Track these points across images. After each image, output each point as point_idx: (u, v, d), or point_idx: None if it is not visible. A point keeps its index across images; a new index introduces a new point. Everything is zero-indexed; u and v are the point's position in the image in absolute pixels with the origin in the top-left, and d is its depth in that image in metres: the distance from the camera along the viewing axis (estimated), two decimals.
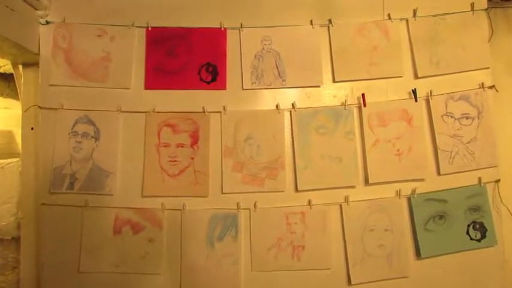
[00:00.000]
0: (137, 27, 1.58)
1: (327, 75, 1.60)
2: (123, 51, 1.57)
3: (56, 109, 1.54)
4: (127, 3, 1.59)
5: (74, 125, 1.54)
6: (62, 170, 1.52)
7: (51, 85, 1.55)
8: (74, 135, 1.54)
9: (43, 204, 1.52)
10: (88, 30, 1.57)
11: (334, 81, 1.60)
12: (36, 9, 1.54)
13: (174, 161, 1.54)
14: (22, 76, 1.61)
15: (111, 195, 1.53)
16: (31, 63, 1.59)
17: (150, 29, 1.58)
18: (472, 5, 1.63)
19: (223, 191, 1.54)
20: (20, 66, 1.62)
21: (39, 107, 1.55)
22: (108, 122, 1.54)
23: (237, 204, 1.53)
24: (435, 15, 1.62)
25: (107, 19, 1.58)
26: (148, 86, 1.57)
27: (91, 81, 1.56)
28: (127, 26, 1.57)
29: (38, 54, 1.55)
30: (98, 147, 1.54)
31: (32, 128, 1.58)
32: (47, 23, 1.57)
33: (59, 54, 1.56)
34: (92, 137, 1.54)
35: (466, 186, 1.58)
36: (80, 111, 1.54)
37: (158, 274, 1.51)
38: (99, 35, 1.57)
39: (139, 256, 1.51)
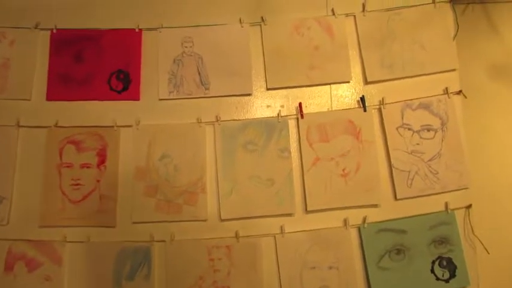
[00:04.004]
0: (41, 29, 1.30)
1: (259, 82, 1.28)
2: (24, 57, 1.28)
3: None
4: (31, 2, 1.32)
5: None
6: None
7: None
8: None
9: None
10: None
11: (267, 88, 1.28)
12: None
13: (77, 184, 1.24)
14: None
15: (4, 224, 1.23)
16: None
17: (55, 31, 1.31)
18: None
19: (133, 220, 1.22)
20: None
21: None
22: (3, 139, 1.25)
23: (150, 235, 1.21)
24: (388, 10, 1.29)
25: (7, 21, 1.30)
26: (51, 96, 1.27)
27: None
28: (29, 28, 1.31)
29: None
30: None
31: None
32: None
33: None
34: None
35: (429, 214, 1.23)
36: None
37: None
38: None
39: None
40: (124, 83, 1.28)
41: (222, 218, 1.21)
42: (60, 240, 1.22)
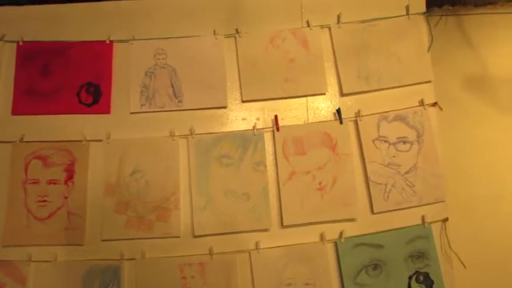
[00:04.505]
0: (7, 41, 1.26)
1: (234, 94, 1.26)
2: None
3: None
4: None
5: None
6: None
7: None
8: None
9: None
10: None
11: (242, 101, 1.26)
12: None
13: (44, 201, 1.18)
14: None
15: None
16: None
17: (21, 43, 1.26)
18: (407, 8, 1.31)
19: (103, 238, 1.17)
20: None
21: None
22: None
23: (120, 253, 1.16)
24: (363, 21, 1.29)
25: None
26: (16, 110, 1.22)
27: None
28: None
29: None
30: None
31: None
32: None
33: None
34: None
35: (406, 227, 1.21)
36: None
37: None
38: None
39: None
40: (94, 96, 1.23)
41: (195, 234, 1.17)
42: (24, 260, 1.16)
